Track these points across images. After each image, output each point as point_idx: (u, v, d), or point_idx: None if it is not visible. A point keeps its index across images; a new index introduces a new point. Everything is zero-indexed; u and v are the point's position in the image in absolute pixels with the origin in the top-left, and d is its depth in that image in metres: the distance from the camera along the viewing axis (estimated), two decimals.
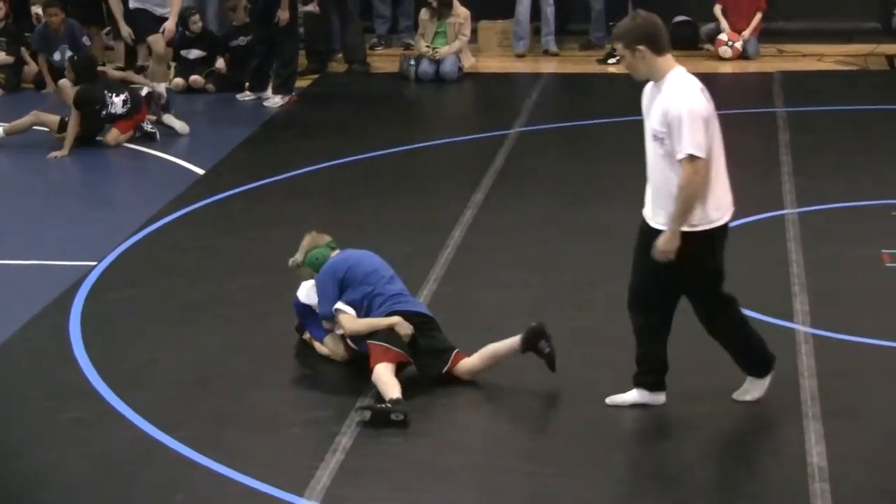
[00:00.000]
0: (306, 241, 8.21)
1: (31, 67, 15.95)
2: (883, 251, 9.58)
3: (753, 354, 7.31)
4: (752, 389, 7.33)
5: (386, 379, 7.44)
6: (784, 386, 7.52)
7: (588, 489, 6.66)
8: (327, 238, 8.22)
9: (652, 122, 6.91)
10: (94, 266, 9.75)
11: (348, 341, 7.93)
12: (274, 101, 14.66)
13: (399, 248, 9.25)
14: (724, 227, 7.03)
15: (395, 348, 7.65)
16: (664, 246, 6.88)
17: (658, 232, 6.93)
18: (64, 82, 13.39)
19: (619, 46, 6.97)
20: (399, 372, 7.57)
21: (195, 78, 15.33)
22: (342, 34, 16.56)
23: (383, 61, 16.83)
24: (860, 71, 15.82)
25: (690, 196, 6.78)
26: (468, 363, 7.70)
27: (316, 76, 16.02)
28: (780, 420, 7.22)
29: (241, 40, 15.47)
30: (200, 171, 12.25)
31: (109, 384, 7.83)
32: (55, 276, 9.58)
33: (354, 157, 12.50)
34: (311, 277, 8.13)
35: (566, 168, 12.03)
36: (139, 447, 7.13)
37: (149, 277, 9.66)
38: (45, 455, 7.09)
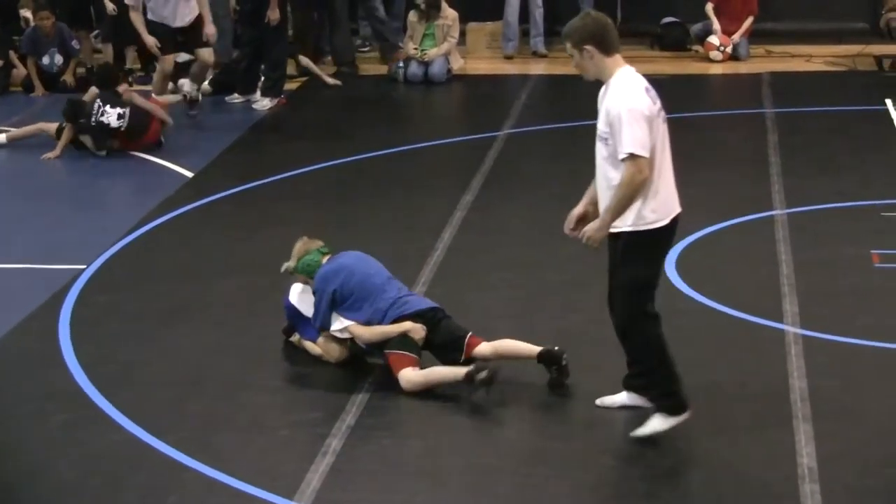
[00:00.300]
0: (298, 246, 8.20)
1: (20, 71, 15.92)
2: (872, 251, 9.59)
3: (661, 387, 7.02)
4: (654, 422, 7.01)
5: (422, 376, 7.60)
6: (774, 387, 7.54)
7: (578, 490, 6.66)
8: (318, 243, 8.21)
9: (598, 123, 6.86)
10: (84, 269, 9.73)
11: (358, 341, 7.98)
12: (263, 103, 14.66)
13: (388, 249, 9.23)
14: (661, 231, 6.84)
15: (411, 354, 7.73)
16: (591, 233, 6.81)
17: (614, 235, 6.84)
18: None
19: (567, 45, 6.88)
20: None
21: (183, 81, 15.27)
22: (330, 37, 16.56)
23: (372, 64, 16.83)
24: (849, 71, 15.84)
25: (629, 194, 6.67)
26: (481, 351, 7.76)
27: (305, 78, 16.00)
28: (771, 421, 7.22)
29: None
30: (189, 174, 12.24)
31: (98, 387, 7.81)
32: (44, 279, 9.57)
33: (343, 160, 12.50)
34: (307, 283, 8.13)
35: (555, 169, 12.02)
36: (128, 450, 7.12)
37: (138, 280, 9.65)
38: (35, 458, 7.08)
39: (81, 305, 9.09)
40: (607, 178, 6.81)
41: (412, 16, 16.09)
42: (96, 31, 16.86)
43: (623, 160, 6.67)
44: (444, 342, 7.84)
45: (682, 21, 17.03)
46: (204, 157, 12.75)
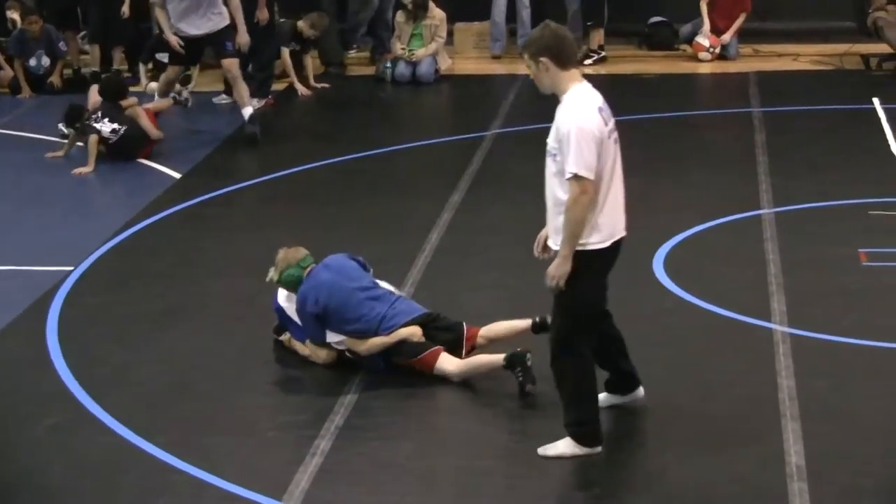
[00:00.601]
0: (280, 256, 8.15)
1: (7, 72, 15.89)
2: (860, 250, 9.60)
3: (574, 415, 6.85)
4: (561, 445, 6.89)
5: (464, 363, 7.72)
6: (762, 386, 7.55)
7: (567, 490, 6.67)
8: (302, 253, 8.15)
9: (549, 138, 6.75)
10: (71, 271, 9.72)
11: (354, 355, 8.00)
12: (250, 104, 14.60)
13: (376, 250, 9.23)
14: (600, 253, 6.66)
15: (427, 350, 7.78)
16: (554, 270, 6.62)
17: (556, 251, 6.69)
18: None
19: (525, 56, 6.85)
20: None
21: (181, 88, 15.25)
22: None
23: (359, 64, 16.82)
24: (836, 71, 15.85)
25: (575, 218, 6.52)
26: (482, 341, 7.92)
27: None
28: (759, 420, 7.23)
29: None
30: (177, 175, 12.22)
31: (87, 389, 7.80)
32: (32, 282, 9.55)
33: (331, 160, 12.49)
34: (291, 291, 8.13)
35: (543, 169, 11.99)
36: (117, 452, 7.11)
37: (126, 282, 9.63)
38: (23, 461, 7.07)
39: (69, 307, 9.07)
40: (554, 195, 6.71)
41: (400, 16, 16.08)
42: (83, 33, 16.84)
43: (568, 179, 6.57)
44: (444, 342, 7.86)
45: (670, 21, 17.03)
46: (191, 159, 12.73)
